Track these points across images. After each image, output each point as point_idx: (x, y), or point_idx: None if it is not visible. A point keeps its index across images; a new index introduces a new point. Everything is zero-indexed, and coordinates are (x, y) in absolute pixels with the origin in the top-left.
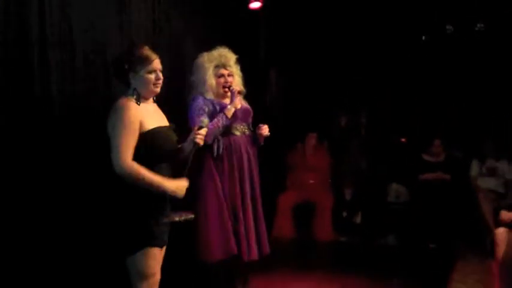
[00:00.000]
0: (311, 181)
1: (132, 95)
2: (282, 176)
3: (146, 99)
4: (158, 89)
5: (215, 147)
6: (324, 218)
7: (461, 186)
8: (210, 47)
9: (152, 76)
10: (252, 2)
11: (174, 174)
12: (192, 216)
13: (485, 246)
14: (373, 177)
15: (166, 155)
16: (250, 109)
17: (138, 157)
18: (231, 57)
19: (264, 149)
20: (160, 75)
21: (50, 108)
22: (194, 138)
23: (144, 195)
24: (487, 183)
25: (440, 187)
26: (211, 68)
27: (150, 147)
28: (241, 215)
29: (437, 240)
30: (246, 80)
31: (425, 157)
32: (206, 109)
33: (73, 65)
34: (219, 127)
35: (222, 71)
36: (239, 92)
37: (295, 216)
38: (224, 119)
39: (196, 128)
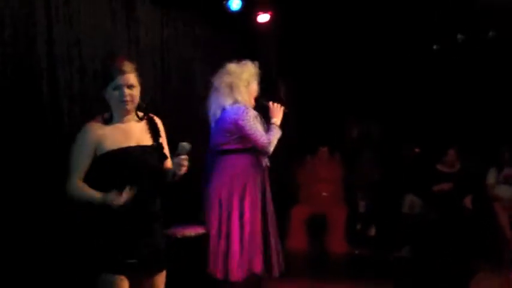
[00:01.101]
0: (324, 193)
1: (102, 114)
2: (294, 188)
3: (124, 116)
4: (128, 107)
5: (265, 160)
6: (337, 231)
7: (477, 197)
8: (219, 60)
9: (116, 93)
10: (259, 14)
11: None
12: (203, 231)
13: (502, 258)
14: (387, 189)
15: (130, 177)
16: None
17: (99, 180)
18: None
19: (275, 161)
20: (126, 91)
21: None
22: (179, 168)
23: (97, 216)
24: (504, 191)
25: (455, 198)
26: (255, 79)
27: (108, 169)
28: (262, 231)
29: (453, 252)
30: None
31: (440, 167)
32: (257, 117)
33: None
34: (277, 138)
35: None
36: (286, 112)
37: (308, 229)
38: (279, 132)
39: (180, 156)
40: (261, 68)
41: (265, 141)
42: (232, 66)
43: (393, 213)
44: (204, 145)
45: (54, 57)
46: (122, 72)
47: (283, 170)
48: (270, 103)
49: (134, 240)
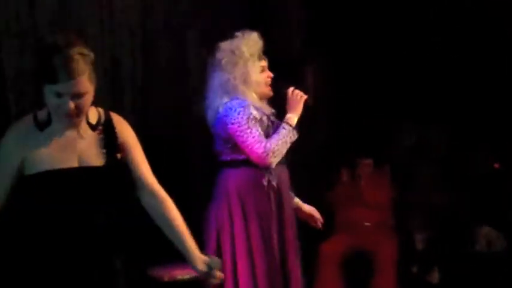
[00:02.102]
0: (366, 223)
1: (35, 113)
2: (326, 215)
3: (66, 123)
4: (73, 121)
5: (267, 177)
6: (385, 275)
7: None
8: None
9: (56, 101)
10: None
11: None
12: None
13: None
14: (455, 218)
15: (65, 212)
16: None
17: (26, 207)
18: (261, 44)
19: (301, 178)
20: (71, 104)
21: None
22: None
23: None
24: None
25: None
26: (256, 62)
27: (36, 198)
28: (279, 272)
29: None
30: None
31: None
32: (258, 116)
33: None
34: (287, 144)
35: (262, 62)
36: (306, 100)
37: (345, 272)
38: (291, 132)
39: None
40: (279, 41)
41: (259, 151)
42: (225, 45)
43: (463, 251)
44: (203, 151)
45: None
46: (69, 77)
47: (310, 190)
48: (289, 90)
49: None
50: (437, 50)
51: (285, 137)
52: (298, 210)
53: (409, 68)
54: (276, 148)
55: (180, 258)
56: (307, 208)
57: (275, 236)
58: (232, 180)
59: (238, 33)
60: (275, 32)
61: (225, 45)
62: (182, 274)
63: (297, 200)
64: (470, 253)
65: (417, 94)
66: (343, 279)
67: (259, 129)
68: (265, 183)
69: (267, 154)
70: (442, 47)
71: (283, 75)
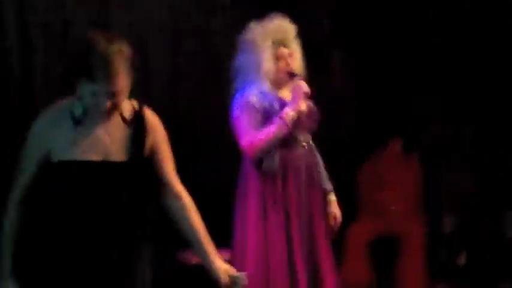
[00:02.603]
0: (393, 207)
1: (72, 106)
2: (354, 199)
3: (100, 118)
4: (108, 115)
5: (266, 164)
6: (413, 259)
7: None
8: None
9: (93, 99)
10: None
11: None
12: (228, 257)
13: None
14: (485, 202)
15: (80, 206)
16: (316, 110)
17: (45, 195)
18: (290, 31)
19: (329, 162)
20: (108, 102)
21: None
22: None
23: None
24: None
25: None
26: (268, 46)
27: (54, 187)
28: (300, 265)
29: None
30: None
31: None
32: (260, 106)
33: None
34: (274, 138)
35: (282, 50)
36: (307, 94)
37: (373, 256)
38: (282, 127)
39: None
40: (307, 29)
41: (243, 142)
42: (252, 28)
43: (493, 236)
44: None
45: None
46: (107, 77)
47: (336, 174)
48: (296, 82)
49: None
50: (467, 47)
51: (275, 132)
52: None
53: (438, 62)
54: (261, 143)
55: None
56: (332, 210)
57: (293, 223)
58: (244, 168)
59: (270, 16)
60: (303, 19)
61: (253, 27)
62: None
63: (331, 196)
64: (500, 237)
65: (447, 87)
66: (371, 262)
67: (253, 119)
68: (265, 169)
69: (249, 147)
70: (471, 45)
71: (310, 61)
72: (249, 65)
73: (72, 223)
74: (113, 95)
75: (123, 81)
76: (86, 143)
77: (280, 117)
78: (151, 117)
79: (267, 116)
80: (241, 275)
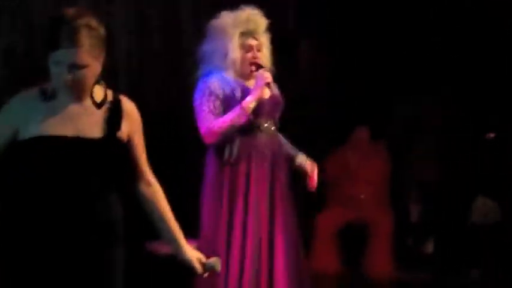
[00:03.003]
0: (362, 195)
1: (43, 85)
2: (322, 187)
3: (70, 96)
4: (73, 91)
5: (227, 152)
6: (380, 247)
7: None
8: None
9: (55, 70)
10: None
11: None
12: (194, 246)
13: None
14: (450, 189)
15: (52, 182)
16: (281, 98)
17: (11, 172)
18: (261, 23)
19: (300, 151)
20: (69, 75)
21: None
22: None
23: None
24: None
25: None
26: (236, 36)
27: (25, 164)
28: (265, 252)
29: None
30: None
31: None
32: (221, 93)
33: None
34: (232, 125)
35: (251, 41)
36: (268, 84)
37: (341, 244)
38: (241, 115)
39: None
40: (274, 19)
41: (202, 130)
42: (223, 15)
43: (458, 222)
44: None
45: None
46: (68, 45)
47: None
48: (259, 71)
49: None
50: (433, 25)
51: (233, 120)
52: (299, 165)
53: (400, 46)
54: (219, 130)
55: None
56: (306, 166)
57: (253, 210)
58: (210, 155)
59: (242, 6)
60: (270, 10)
61: (223, 14)
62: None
63: (299, 156)
64: (465, 224)
65: (412, 67)
66: (339, 251)
67: (212, 106)
68: (225, 157)
69: (207, 133)
70: (437, 24)
71: (278, 52)
72: (215, 52)
73: (42, 201)
74: (74, 66)
75: (85, 55)
76: (58, 119)
77: (241, 106)
78: (128, 104)
79: (228, 104)
80: (215, 260)
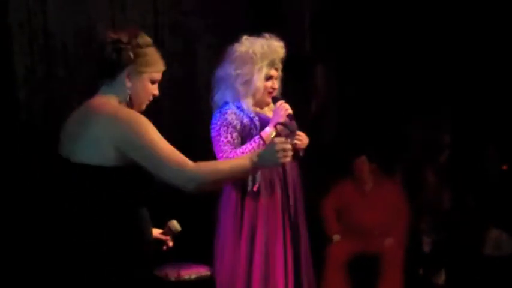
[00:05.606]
0: (376, 232)
1: (123, 101)
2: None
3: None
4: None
5: (250, 181)
6: (391, 277)
7: None
8: (230, 37)
9: (151, 88)
10: None
11: None
12: (208, 273)
13: None
14: (463, 220)
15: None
16: (299, 131)
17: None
18: (282, 54)
19: (309, 176)
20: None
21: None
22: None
23: None
24: None
25: None
26: (265, 67)
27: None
28: (283, 278)
29: None
30: (285, 79)
31: None
32: (238, 123)
33: None
34: None
35: (273, 72)
36: (289, 115)
37: (352, 274)
38: (261, 145)
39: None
40: (289, 42)
41: (221, 159)
42: (246, 41)
43: (471, 254)
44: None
45: None
46: (163, 66)
47: (318, 192)
48: (278, 102)
49: None
50: (443, 48)
51: (253, 149)
52: None
53: (413, 73)
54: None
55: (187, 258)
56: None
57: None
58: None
59: (265, 35)
60: (285, 33)
61: (246, 40)
62: (189, 274)
63: None
64: (478, 255)
65: (425, 94)
66: (350, 282)
67: (230, 137)
68: (249, 188)
69: None
70: (449, 46)
71: (293, 76)
72: (238, 77)
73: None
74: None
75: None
76: None
77: (260, 137)
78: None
79: (246, 134)
80: (173, 222)
